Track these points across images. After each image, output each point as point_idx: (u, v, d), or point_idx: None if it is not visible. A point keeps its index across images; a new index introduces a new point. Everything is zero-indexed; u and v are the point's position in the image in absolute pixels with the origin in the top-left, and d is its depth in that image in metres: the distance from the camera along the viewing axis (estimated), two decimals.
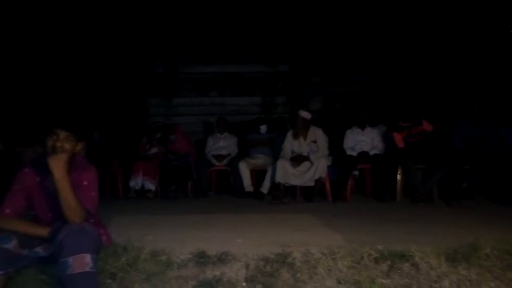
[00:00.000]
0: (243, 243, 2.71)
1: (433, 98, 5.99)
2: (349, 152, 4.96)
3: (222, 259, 2.41)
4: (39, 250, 2.16)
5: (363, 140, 4.99)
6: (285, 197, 4.72)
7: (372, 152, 4.93)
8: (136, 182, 5.40)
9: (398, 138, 4.69)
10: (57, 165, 2.06)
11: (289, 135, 4.92)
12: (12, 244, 2.01)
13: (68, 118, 2.17)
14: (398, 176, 4.61)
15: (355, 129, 5.08)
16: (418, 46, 6.42)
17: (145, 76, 7.06)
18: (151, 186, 5.42)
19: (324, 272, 2.24)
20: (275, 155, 5.23)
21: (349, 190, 4.76)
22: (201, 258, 2.41)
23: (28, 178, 2.22)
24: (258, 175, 5.35)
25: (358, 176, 5.20)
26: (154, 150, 5.72)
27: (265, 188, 5.01)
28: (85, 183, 2.24)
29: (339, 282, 2.19)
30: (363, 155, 4.88)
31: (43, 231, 2.13)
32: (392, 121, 4.83)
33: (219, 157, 5.56)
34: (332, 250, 2.37)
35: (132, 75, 7.17)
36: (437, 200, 4.45)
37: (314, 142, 4.83)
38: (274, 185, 4.89)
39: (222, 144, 5.73)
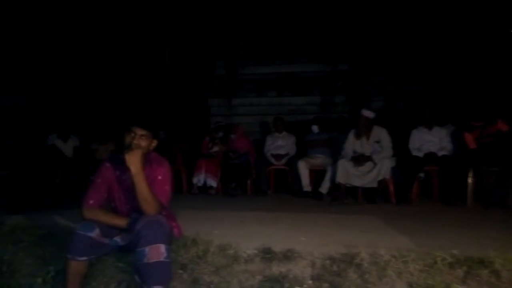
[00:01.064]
0: (307, 241, 2.70)
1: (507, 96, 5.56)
2: (415, 153, 4.75)
3: (288, 256, 2.42)
4: (118, 239, 2.31)
5: (430, 141, 4.75)
6: (345, 198, 4.63)
7: (440, 153, 4.68)
8: (199, 179, 5.59)
9: (469, 138, 4.42)
10: (134, 161, 2.18)
11: (351, 135, 4.81)
12: (95, 233, 2.17)
13: (144, 117, 2.29)
14: (469, 179, 4.34)
15: (422, 128, 4.85)
16: (491, 39, 6.00)
17: (206, 77, 7.27)
18: (213, 183, 5.57)
19: (394, 275, 2.18)
20: (335, 155, 5.16)
21: (415, 192, 4.56)
22: (267, 254, 2.45)
23: (108, 172, 2.38)
24: (316, 175, 5.30)
25: (424, 178, 4.97)
26: (216, 148, 5.88)
27: (325, 188, 4.96)
28: (159, 177, 2.36)
29: (410, 286, 2.13)
30: (430, 156, 4.66)
31: (122, 222, 2.27)
32: (463, 120, 4.56)
33: (278, 157, 5.59)
34: (402, 253, 2.30)
35: (194, 76, 7.43)
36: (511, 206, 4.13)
37: (378, 142, 4.69)
38: (334, 186, 4.81)
39: (281, 144, 5.75)
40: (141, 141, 2.25)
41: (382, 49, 6.61)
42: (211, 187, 5.59)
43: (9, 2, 6.41)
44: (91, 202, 2.30)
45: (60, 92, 7.31)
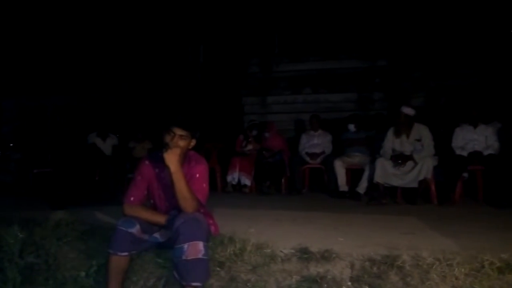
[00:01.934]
0: (345, 242, 2.64)
1: None
2: (458, 152, 4.54)
3: (326, 256, 2.38)
4: (157, 236, 2.36)
5: (475, 139, 4.53)
6: (384, 198, 4.49)
7: (486, 152, 4.45)
8: (233, 177, 5.61)
9: None
10: (172, 159, 2.21)
11: (390, 133, 4.66)
12: (135, 229, 2.21)
13: (184, 117, 2.30)
14: None
15: (466, 126, 4.63)
16: None
17: (241, 75, 7.29)
18: (246, 181, 5.58)
19: (438, 278, 2.09)
20: (373, 154, 5.02)
21: (458, 193, 4.36)
22: (304, 254, 2.41)
23: (148, 170, 2.42)
24: (353, 174, 5.19)
25: (467, 178, 4.74)
26: (249, 147, 5.88)
27: (362, 188, 4.83)
28: (197, 175, 2.38)
29: None
30: (475, 155, 4.44)
31: (161, 219, 2.30)
32: (511, 117, 4.32)
33: (313, 155, 5.52)
34: (446, 256, 2.20)
35: (229, 75, 7.47)
36: None
37: (419, 140, 4.52)
38: (372, 186, 4.69)
39: (316, 142, 5.67)
40: (180, 141, 2.27)
41: (422, 44, 6.38)
42: (245, 185, 5.60)
43: (51, 8, 6.69)
44: (131, 199, 2.34)
45: (99, 93, 7.57)
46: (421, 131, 4.55)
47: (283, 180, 5.52)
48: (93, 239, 2.71)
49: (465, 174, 4.56)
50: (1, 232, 2.57)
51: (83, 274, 2.45)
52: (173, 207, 2.33)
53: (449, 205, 4.24)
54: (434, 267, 2.13)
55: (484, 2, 5.84)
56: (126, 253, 2.19)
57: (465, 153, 4.52)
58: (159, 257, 2.42)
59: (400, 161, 4.44)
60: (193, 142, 2.38)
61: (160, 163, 2.28)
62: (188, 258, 2.05)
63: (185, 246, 2.06)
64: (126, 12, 7.04)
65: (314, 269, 2.31)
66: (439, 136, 4.80)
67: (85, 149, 5.85)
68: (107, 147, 6.04)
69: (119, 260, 2.18)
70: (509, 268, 2.05)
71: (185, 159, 2.39)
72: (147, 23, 7.29)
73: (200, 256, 2.07)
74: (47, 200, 4.38)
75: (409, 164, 4.46)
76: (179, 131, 2.28)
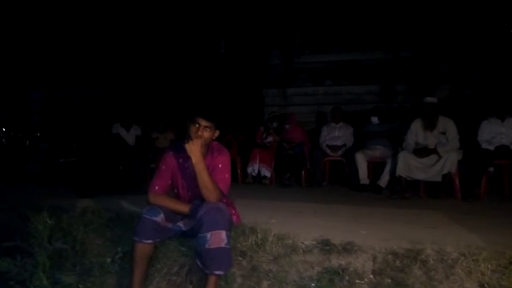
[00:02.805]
0: (367, 235, 2.62)
1: None
2: (484, 146, 4.43)
3: (348, 249, 2.37)
4: (181, 225, 2.40)
5: (502, 133, 4.40)
6: (406, 192, 4.43)
7: None
8: (253, 168, 5.64)
9: None
10: (194, 150, 2.24)
11: (414, 125, 4.57)
12: (160, 218, 2.26)
13: (209, 109, 2.33)
14: None
15: (494, 120, 4.50)
16: None
17: (262, 67, 7.27)
18: (267, 173, 5.60)
19: (463, 274, 2.06)
20: (395, 147, 4.95)
21: (484, 187, 4.27)
22: (326, 246, 2.41)
23: (171, 160, 2.46)
24: (374, 167, 5.13)
25: (493, 173, 4.62)
26: (270, 138, 5.89)
27: (384, 181, 4.78)
28: (220, 165, 2.41)
29: (481, 286, 1.99)
30: (503, 149, 4.32)
31: (184, 208, 2.35)
32: None
33: (334, 148, 5.48)
34: (472, 251, 2.16)
35: (250, 66, 7.46)
36: None
37: (443, 133, 4.42)
38: (393, 179, 4.63)
39: (337, 134, 5.62)
40: (204, 132, 2.30)
41: (447, 35, 6.21)
42: (265, 177, 5.61)
43: (76, 6, 6.81)
44: (156, 188, 2.39)
45: (123, 84, 7.69)
46: (446, 124, 4.46)
47: (303, 172, 5.51)
48: (118, 226, 2.77)
49: (491, 169, 4.45)
50: (31, 219, 2.66)
51: (108, 260, 2.52)
52: (196, 197, 2.36)
53: (474, 200, 4.15)
54: (459, 262, 2.10)
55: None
56: (150, 241, 2.24)
57: (491, 147, 4.41)
58: (183, 245, 2.47)
59: (422, 154, 4.37)
60: (217, 133, 2.40)
61: (184, 153, 2.31)
62: (211, 246, 2.08)
63: (208, 235, 2.09)
64: (150, 4, 7.10)
65: (336, 261, 2.31)
66: (465, 129, 4.69)
67: (109, 139, 5.97)
68: (130, 137, 6.14)
69: (143, 247, 2.23)
70: None
71: (208, 150, 2.42)
72: (170, 15, 7.34)
73: (222, 245, 2.10)
74: (73, 188, 4.51)
75: (433, 157, 4.39)
76: (203, 122, 2.30)
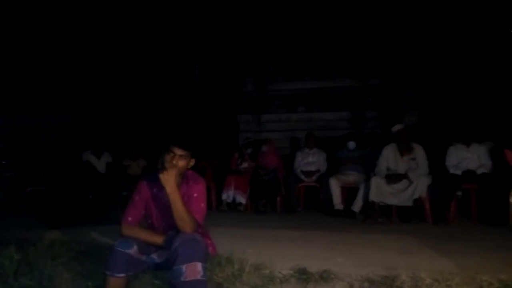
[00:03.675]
0: (343, 262, 2.63)
1: None
2: (452, 171, 4.60)
3: (324, 277, 2.36)
4: (155, 257, 2.33)
5: (468, 158, 4.58)
6: (379, 217, 4.51)
7: (479, 171, 4.51)
8: (228, 195, 5.59)
9: (510, 156, 4.24)
10: (168, 180, 2.21)
11: (386, 151, 4.70)
12: (133, 250, 2.19)
13: (184, 137, 2.32)
14: (511, 198, 4.14)
15: (459, 145, 4.69)
16: None
17: (236, 93, 7.35)
18: (242, 199, 5.56)
19: None
20: (367, 173, 5.05)
21: (452, 212, 4.39)
22: (303, 275, 2.40)
23: (145, 190, 2.41)
24: (348, 192, 5.20)
25: (461, 197, 4.78)
26: (245, 164, 5.88)
27: (357, 206, 4.84)
28: (195, 195, 2.38)
29: None
30: (469, 174, 4.49)
31: (159, 239, 2.29)
32: (503, 136, 4.39)
33: (308, 173, 5.53)
34: (445, 276, 2.20)
35: (224, 93, 7.53)
36: None
37: (413, 159, 4.56)
38: (366, 204, 4.71)
39: (311, 160, 5.69)
40: (180, 161, 2.28)
41: (415, 64, 6.51)
42: (240, 203, 5.57)
43: (47, 27, 6.74)
44: (129, 219, 2.33)
45: (94, 111, 7.56)
46: (415, 149, 4.61)
47: (278, 199, 5.51)
48: (89, 259, 2.66)
49: (459, 193, 4.61)
50: None
51: None
52: (171, 227, 2.31)
53: (444, 223, 4.26)
54: (433, 287, 2.13)
55: (474, 23, 5.99)
56: (123, 274, 2.16)
57: (458, 172, 4.57)
58: (157, 278, 2.39)
59: (394, 180, 4.48)
60: (192, 162, 2.38)
61: (158, 183, 2.28)
62: (187, 279, 2.03)
63: (184, 267, 2.04)
64: (122, 30, 7.11)
65: None
66: (433, 155, 4.86)
67: (79, 166, 5.81)
68: (101, 164, 6.00)
69: (116, 281, 2.15)
70: None
71: (183, 179, 2.40)
72: (142, 41, 7.36)
73: (198, 277, 2.05)
74: (41, 219, 4.32)
75: (404, 182, 4.50)
76: (179, 151, 2.29)
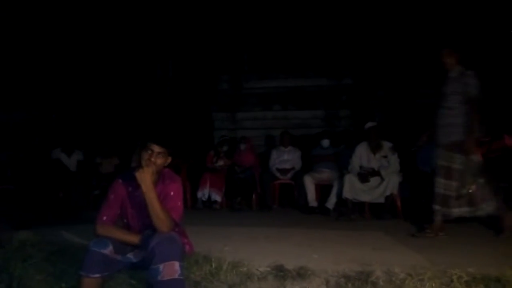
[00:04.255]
0: (320, 259, 2.68)
1: None
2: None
3: (301, 274, 2.40)
4: (131, 256, 2.29)
5: None
6: (353, 214, 4.60)
7: None
8: (203, 193, 5.56)
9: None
10: (144, 179, 2.18)
11: (359, 149, 4.80)
12: (108, 250, 2.14)
13: (162, 134, 2.29)
14: None
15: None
16: (492, 55, 6.06)
17: (211, 91, 7.31)
18: (217, 197, 5.54)
19: None
20: (341, 170, 5.15)
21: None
22: (280, 272, 2.43)
23: (121, 189, 2.36)
24: (322, 190, 5.28)
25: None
26: (220, 162, 5.86)
27: (331, 203, 4.93)
28: (172, 193, 2.36)
29: None
30: None
31: (135, 239, 2.25)
32: None
33: (283, 171, 5.57)
34: (417, 271, 2.28)
35: (199, 90, 7.47)
36: None
37: (385, 157, 4.68)
38: (340, 201, 4.80)
39: (286, 158, 5.73)
40: (157, 158, 2.25)
41: (386, 64, 6.66)
42: (215, 201, 5.56)
43: (12, 19, 6.48)
44: (104, 218, 2.28)
45: (64, 106, 7.34)
46: (387, 148, 4.73)
47: (254, 196, 5.53)
48: (61, 260, 2.59)
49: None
50: None
51: None
52: (147, 226, 2.28)
53: (414, 219, 4.39)
54: (406, 282, 2.20)
55: (444, 25, 6.19)
56: (98, 275, 2.11)
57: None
58: (133, 278, 2.36)
59: (366, 177, 4.58)
60: (170, 160, 2.36)
61: (133, 182, 2.24)
62: (164, 278, 2.01)
63: (161, 266, 2.02)
64: (94, 25, 6.93)
65: (290, 286, 2.32)
66: (403, 152, 4.99)
67: (48, 164, 5.63)
68: (72, 162, 5.84)
69: (91, 282, 2.10)
70: (475, 282, 2.15)
71: (159, 177, 2.37)
72: (115, 36, 7.20)
73: (176, 276, 2.03)
74: (9, 219, 4.16)
75: (376, 180, 4.62)
76: (157, 148, 2.26)
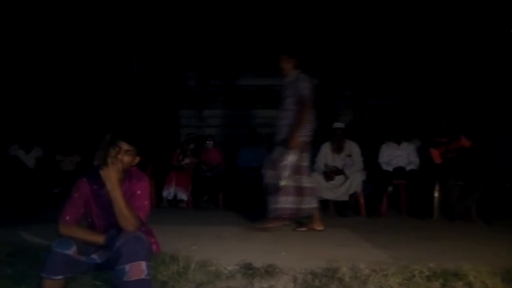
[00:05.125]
0: (287, 256, 2.71)
1: (470, 113, 5.90)
2: (384, 167, 4.91)
3: (269, 271, 2.41)
4: (95, 257, 2.22)
5: (399, 155, 4.92)
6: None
7: (408, 168, 4.86)
8: (169, 192, 5.49)
9: (435, 154, 4.63)
10: (110, 177, 2.12)
11: (324, 149, 4.90)
12: (72, 250, 2.07)
13: (131, 132, 2.24)
14: (436, 193, 4.53)
15: (391, 144, 5.02)
16: (452, 59, 6.36)
17: (177, 87, 7.20)
18: (183, 196, 5.49)
19: None
20: None
21: (384, 205, 4.70)
22: (249, 270, 2.42)
23: (85, 187, 2.29)
24: None
25: (392, 192, 5.12)
26: (187, 160, 5.80)
27: None
28: (138, 192, 2.30)
29: None
30: (399, 170, 4.82)
31: (99, 239, 2.19)
32: (429, 136, 4.77)
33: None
34: (381, 267, 2.35)
35: (165, 87, 7.34)
36: (475, 218, 4.33)
37: (349, 156, 4.80)
38: None
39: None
40: (125, 156, 2.19)
41: (350, 64, 6.82)
42: (181, 200, 5.49)
43: None
44: (67, 218, 2.20)
45: (22, 101, 7.01)
46: (351, 147, 4.86)
47: (220, 195, 5.51)
48: (21, 262, 2.47)
49: (390, 188, 4.92)
50: None
51: None
52: (113, 226, 2.22)
53: (377, 217, 4.54)
54: (371, 278, 2.26)
55: (407, 29, 6.43)
56: (60, 277, 2.03)
57: (390, 168, 4.89)
58: (97, 279, 2.29)
59: (331, 176, 4.69)
60: (137, 159, 2.30)
61: (98, 180, 2.17)
62: (130, 279, 1.96)
63: (127, 267, 1.97)
64: (57, 18, 6.65)
65: (259, 284, 2.33)
66: (366, 152, 5.15)
67: (5, 162, 5.35)
68: (30, 159, 5.58)
69: (52, 284, 2.01)
70: (436, 276, 2.25)
71: (126, 175, 2.31)
72: (77, 30, 6.95)
73: (143, 276, 1.99)
74: None
75: (340, 178, 4.73)
76: (125, 146, 2.20)
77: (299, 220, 3.86)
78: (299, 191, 3.62)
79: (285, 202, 3.58)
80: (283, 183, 3.57)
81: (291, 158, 3.60)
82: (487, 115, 5.86)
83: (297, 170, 3.63)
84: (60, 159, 5.77)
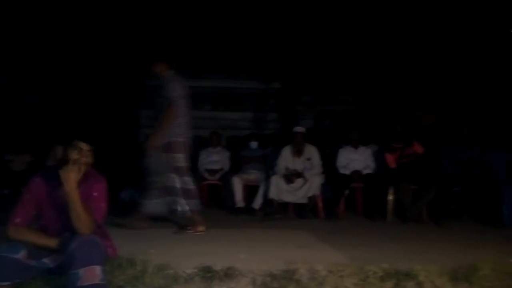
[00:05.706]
0: (247, 258, 2.71)
1: (421, 120, 6.20)
2: (342, 171, 5.05)
3: (229, 274, 2.41)
4: (47, 261, 2.13)
5: (356, 159, 5.08)
6: (278, 214, 4.74)
7: (364, 171, 5.02)
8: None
9: (390, 159, 4.81)
10: (69, 178, 2.06)
11: (285, 152, 4.97)
12: (21, 254, 1.98)
13: (90, 131, 2.19)
14: (390, 196, 4.70)
15: (349, 148, 5.18)
16: (406, 69, 6.65)
17: (137, 87, 7.04)
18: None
19: None
20: (267, 171, 5.28)
21: (342, 208, 4.82)
22: (207, 273, 2.41)
23: (38, 188, 2.20)
24: (249, 190, 5.35)
25: (349, 195, 5.26)
26: None
27: (257, 204, 5.02)
28: (95, 194, 2.24)
29: None
30: (356, 174, 4.97)
31: (52, 242, 2.11)
32: (385, 142, 4.96)
33: (212, 172, 5.56)
34: (338, 268, 2.41)
35: (124, 85, 7.15)
36: (426, 221, 4.54)
37: (308, 159, 4.90)
38: (266, 201, 4.91)
39: (215, 159, 5.72)
40: (85, 157, 2.12)
41: (311, 70, 6.98)
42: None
43: None
44: (17, 220, 2.10)
45: None
46: (310, 151, 4.96)
47: None
48: None
49: (347, 191, 5.06)
50: None
51: None
52: (67, 229, 2.14)
53: (335, 219, 4.65)
54: (327, 279, 2.32)
55: (365, 37, 6.65)
56: (8, 283, 1.94)
57: (347, 172, 5.03)
58: (48, 284, 2.18)
59: (291, 178, 4.76)
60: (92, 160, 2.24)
61: (53, 181, 2.10)
62: (84, 284, 1.90)
63: (81, 271, 1.91)
64: (16, 14, 6.31)
65: (218, 287, 2.33)
66: (325, 155, 5.28)
67: None
68: None
69: None
70: (389, 276, 2.34)
71: (83, 176, 2.23)
72: (32, 25, 6.63)
73: (97, 281, 1.93)
74: None
75: (300, 181, 4.81)
76: (85, 146, 2.14)
77: (181, 222, 3.84)
78: (170, 191, 3.66)
79: (154, 201, 3.65)
80: (151, 180, 3.62)
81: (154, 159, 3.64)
82: (439, 123, 6.17)
83: (175, 170, 3.68)
84: (10, 158, 5.49)
